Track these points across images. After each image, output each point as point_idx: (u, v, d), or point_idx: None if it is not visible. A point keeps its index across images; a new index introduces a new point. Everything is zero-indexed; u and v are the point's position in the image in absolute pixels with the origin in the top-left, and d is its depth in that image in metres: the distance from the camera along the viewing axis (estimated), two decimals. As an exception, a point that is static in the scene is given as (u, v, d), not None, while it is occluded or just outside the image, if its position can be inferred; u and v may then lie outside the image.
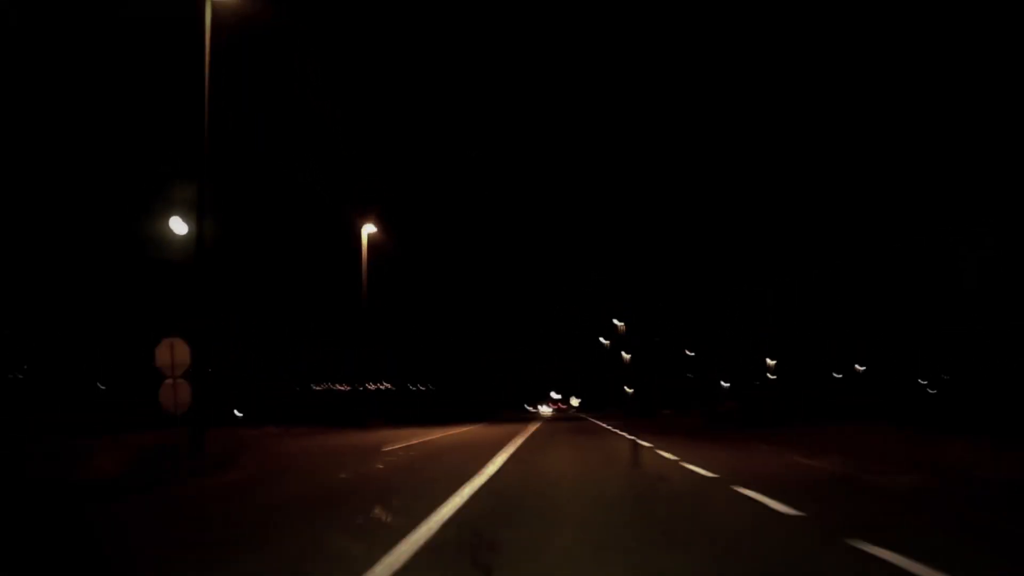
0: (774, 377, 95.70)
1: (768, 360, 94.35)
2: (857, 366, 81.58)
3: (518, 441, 18.68)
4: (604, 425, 30.74)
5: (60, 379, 40.73)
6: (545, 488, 8.73)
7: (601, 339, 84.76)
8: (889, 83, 45.80)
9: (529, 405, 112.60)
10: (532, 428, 29.39)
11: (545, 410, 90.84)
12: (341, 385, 74.59)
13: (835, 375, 79.63)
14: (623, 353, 79.56)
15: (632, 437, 19.16)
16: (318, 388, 69.84)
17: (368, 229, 29.98)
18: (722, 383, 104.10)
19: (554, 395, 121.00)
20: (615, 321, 70.98)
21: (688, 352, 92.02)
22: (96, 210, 36.88)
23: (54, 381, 40.18)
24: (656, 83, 78.01)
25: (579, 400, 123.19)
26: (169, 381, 13.30)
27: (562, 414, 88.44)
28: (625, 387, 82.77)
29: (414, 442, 18.95)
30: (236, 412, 42.89)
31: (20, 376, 41.12)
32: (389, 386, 77.60)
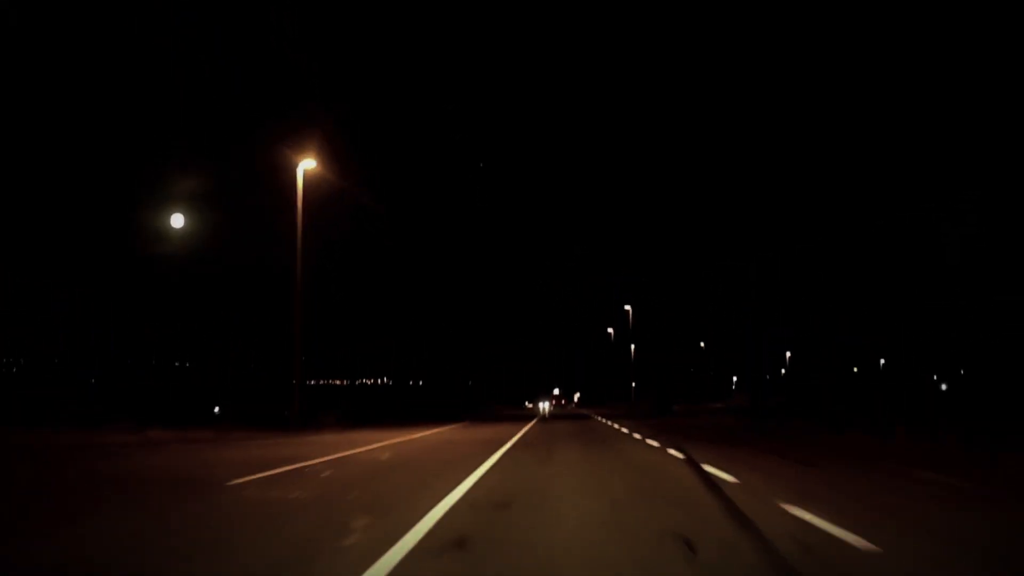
0: (784, 371, 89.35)
1: (786, 353, 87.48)
2: (880, 360, 75.28)
3: (494, 457, 11.27)
4: (618, 428, 23.24)
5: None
6: None
7: (608, 330, 77.59)
8: (871, 61, 44.31)
9: (528, 401, 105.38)
10: (523, 431, 21.94)
11: (544, 406, 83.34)
12: (339, 380, 69.46)
13: (854, 368, 73.47)
14: (631, 346, 72.27)
15: (678, 453, 11.66)
16: (312, 383, 64.99)
17: (305, 166, 22.33)
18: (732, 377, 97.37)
19: (555, 392, 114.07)
20: (625, 307, 63.49)
21: (700, 344, 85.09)
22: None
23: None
24: (640, 64, 73.19)
25: (579, 395, 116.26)
26: None
27: (563, 410, 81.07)
28: (631, 381, 75.89)
29: (314, 462, 11.49)
30: (215, 409, 37.86)
31: None
32: (387, 381, 73.66)
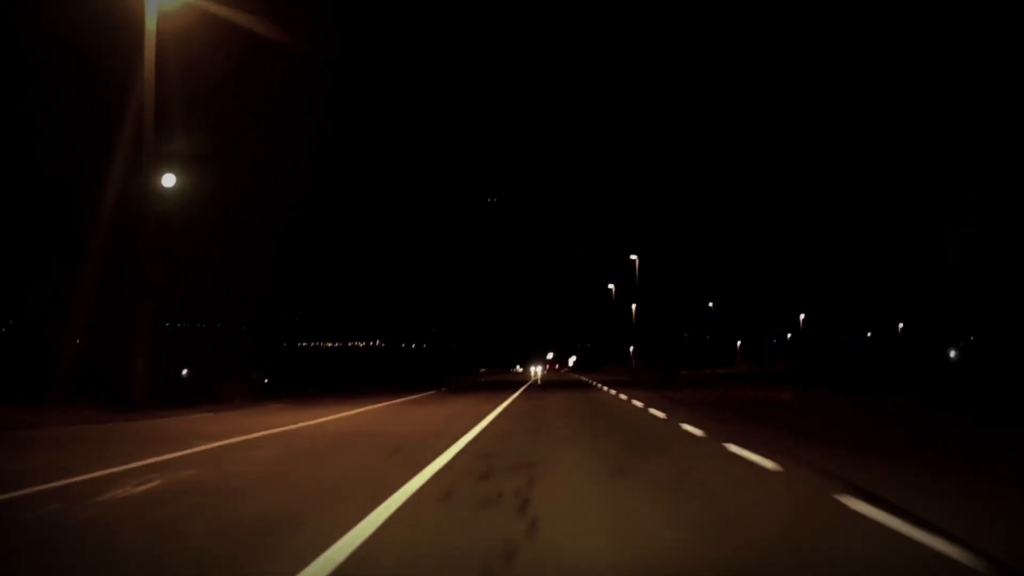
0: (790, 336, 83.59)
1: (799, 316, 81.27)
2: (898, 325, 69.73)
3: (392, 502, 4.34)
4: (640, 405, 16.24)
5: None
6: None
7: (609, 286, 70.87)
8: (872, 61, 43.94)
9: (519, 364, 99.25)
10: (500, 408, 15.05)
11: (536, 370, 77.02)
12: (330, 343, 66.51)
13: (867, 335, 68.26)
14: (632, 306, 65.62)
15: (881, 515, 4.66)
16: (304, 345, 62.12)
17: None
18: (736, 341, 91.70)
19: (548, 356, 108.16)
20: (631, 256, 56.72)
21: (708, 305, 78.99)
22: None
23: None
24: (641, 66, 69.98)
25: (575, 358, 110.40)
26: None
27: (557, 375, 74.55)
28: (631, 345, 69.66)
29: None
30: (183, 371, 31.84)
31: None
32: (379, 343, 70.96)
